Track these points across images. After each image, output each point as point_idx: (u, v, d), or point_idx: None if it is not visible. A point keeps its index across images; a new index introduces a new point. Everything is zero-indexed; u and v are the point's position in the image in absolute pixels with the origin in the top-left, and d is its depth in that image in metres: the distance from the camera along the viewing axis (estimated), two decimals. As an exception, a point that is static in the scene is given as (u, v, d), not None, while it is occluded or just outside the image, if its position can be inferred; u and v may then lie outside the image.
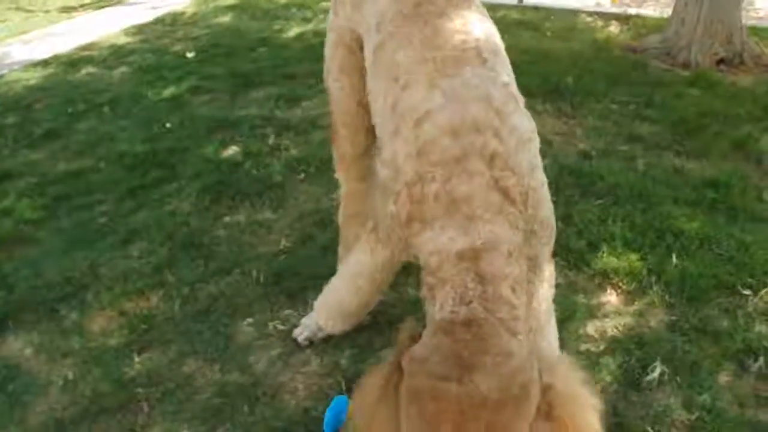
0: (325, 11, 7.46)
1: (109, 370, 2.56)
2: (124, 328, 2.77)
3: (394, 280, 2.55)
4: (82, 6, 9.19)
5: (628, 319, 2.70)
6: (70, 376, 2.57)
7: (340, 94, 2.52)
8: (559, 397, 1.46)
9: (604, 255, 3.00)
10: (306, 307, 2.76)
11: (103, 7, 8.99)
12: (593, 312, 2.74)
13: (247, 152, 4.07)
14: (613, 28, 6.62)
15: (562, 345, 2.38)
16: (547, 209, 2.03)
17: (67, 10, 8.84)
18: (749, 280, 2.87)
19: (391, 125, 1.91)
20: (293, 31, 6.80)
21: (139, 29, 7.45)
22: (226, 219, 3.43)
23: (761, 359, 2.48)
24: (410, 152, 1.80)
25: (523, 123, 1.93)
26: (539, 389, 1.44)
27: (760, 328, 2.62)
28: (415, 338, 1.56)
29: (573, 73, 5.01)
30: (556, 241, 3.03)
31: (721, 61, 5.49)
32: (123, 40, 7.04)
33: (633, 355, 2.50)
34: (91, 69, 6.07)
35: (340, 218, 2.78)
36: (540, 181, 1.95)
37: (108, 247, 3.28)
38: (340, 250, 2.81)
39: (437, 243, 1.71)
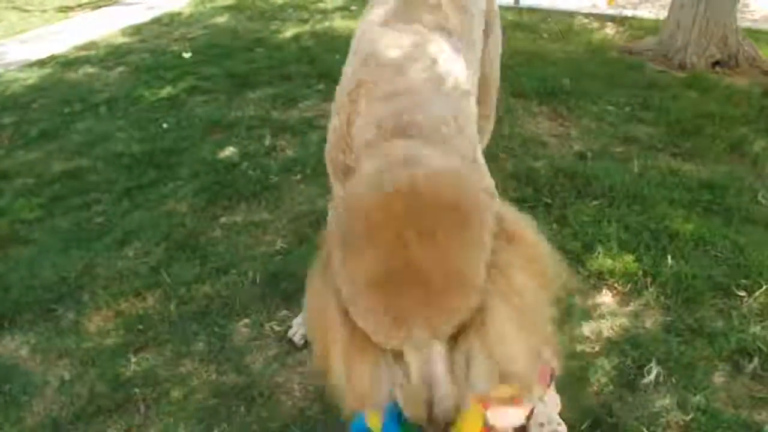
0: (321, 12, 7.49)
1: (106, 371, 2.56)
2: (121, 328, 2.77)
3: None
4: (79, 6, 9.19)
5: (623, 320, 2.71)
6: (67, 376, 2.57)
7: None
8: (512, 221, 1.42)
9: (600, 256, 3.01)
10: (302, 307, 2.76)
11: (100, 6, 8.99)
12: (588, 313, 2.74)
13: (243, 153, 4.07)
14: (609, 30, 6.63)
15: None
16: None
17: (65, 9, 8.84)
18: (744, 281, 2.87)
19: None
20: (290, 32, 6.79)
21: (137, 29, 7.45)
22: (223, 219, 3.43)
23: (756, 360, 2.48)
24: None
25: None
26: (493, 215, 1.38)
27: (754, 329, 2.62)
28: None
29: (569, 75, 5.02)
30: (550, 242, 3.06)
31: (716, 63, 5.50)
32: (120, 40, 7.04)
33: (628, 356, 2.51)
34: (88, 69, 6.06)
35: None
36: None
37: (104, 248, 3.28)
38: None
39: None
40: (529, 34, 6.26)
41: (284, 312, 2.78)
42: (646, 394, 2.36)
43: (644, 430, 2.22)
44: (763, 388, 2.40)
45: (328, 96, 4.62)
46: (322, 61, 5.54)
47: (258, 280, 2.94)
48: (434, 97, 1.82)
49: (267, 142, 4.21)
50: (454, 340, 1.36)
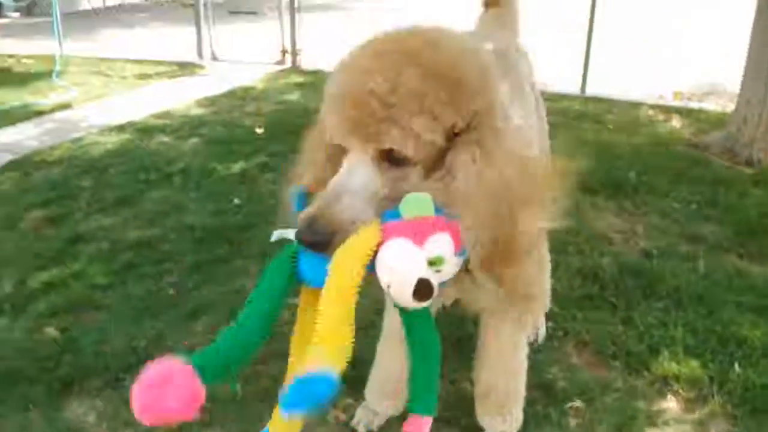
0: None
1: (171, 446, 2.61)
2: (187, 403, 2.82)
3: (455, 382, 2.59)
4: (157, 74, 9.56)
5: (688, 428, 2.68)
6: (133, 448, 2.62)
7: None
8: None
9: (665, 360, 2.99)
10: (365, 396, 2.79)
11: (176, 77, 9.34)
12: (653, 419, 2.72)
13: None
14: (675, 122, 6.66)
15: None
16: None
17: (143, 77, 9.21)
18: (815, 394, 2.82)
19: None
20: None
21: (211, 101, 7.71)
22: (289, 301, 3.48)
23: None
24: None
25: None
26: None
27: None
28: None
29: (635, 169, 5.04)
30: (615, 344, 3.06)
31: (784, 160, 5.48)
32: (195, 110, 7.29)
33: (693, 467, 2.48)
34: (164, 138, 6.29)
35: None
36: None
37: (174, 320, 3.37)
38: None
39: None
40: (594, 125, 6.31)
41: (349, 400, 2.81)
42: None
43: None
44: None
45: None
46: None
47: (323, 364, 2.96)
48: None
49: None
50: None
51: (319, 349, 1.48)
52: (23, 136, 6.83)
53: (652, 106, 7.15)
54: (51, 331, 3.37)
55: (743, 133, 5.64)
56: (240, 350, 1.61)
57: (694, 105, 7.29)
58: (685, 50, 10.44)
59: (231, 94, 8.13)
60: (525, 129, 2.06)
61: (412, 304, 1.47)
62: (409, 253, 1.43)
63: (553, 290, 3.45)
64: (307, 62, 9.56)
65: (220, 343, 1.60)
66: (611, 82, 7.99)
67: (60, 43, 11.29)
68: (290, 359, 1.83)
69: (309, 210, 1.53)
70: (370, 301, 3.19)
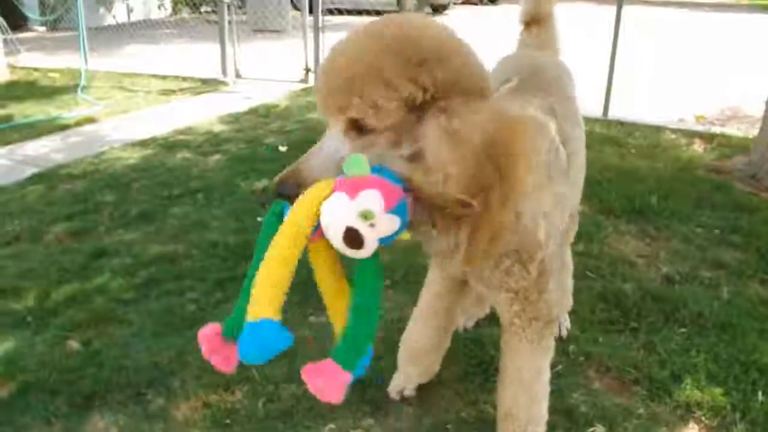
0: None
1: (193, 463, 2.63)
2: (208, 419, 2.83)
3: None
4: (180, 90, 9.65)
5: (710, 457, 2.67)
6: (154, 464, 2.64)
7: None
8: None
9: (688, 387, 2.97)
10: (388, 418, 2.80)
11: (200, 93, 9.42)
12: (675, 446, 2.71)
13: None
14: (697, 146, 6.63)
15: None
16: None
17: (167, 93, 9.30)
18: (840, 425, 2.80)
19: None
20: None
21: (234, 118, 7.77)
22: (312, 319, 3.50)
23: None
24: None
25: None
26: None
27: None
28: None
29: (657, 194, 5.03)
30: (637, 369, 3.04)
31: (807, 188, 5.45)
32: (218, 127, 7.35)
33: (715, 498, 2.47)
34: (186, 154, 6.33)
35: None
36: None
37: (195, 337, 3.37)
38: None
39: None
40: (617, 149, 6.30)
41: (370, 421, 2.81)
42: None
43: None
44: None
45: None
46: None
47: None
48: None
49: (358, 244, 4.28)
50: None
51: (257, 296, 1.66)
52: (48, 149, 6.92)
53: (674, 130, 7.12)
54: (74, 344, 3.39)
55: (766, 159, 5.61)
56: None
57: (716, 129, 7.25)
58: (706, 74, 10.42)
59: (254, 111, 8.19)
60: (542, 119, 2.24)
61: (346, 250, 1.69)
62: (341, 204, 1.64)
63: (575, 314, 3.46)
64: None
65: (240, 303, 1.85)
66: (632, 105, 7.98)
67: (85, 58, 11.42)
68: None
69: (285, 169, 1.78)
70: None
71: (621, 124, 7.30)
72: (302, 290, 3.68)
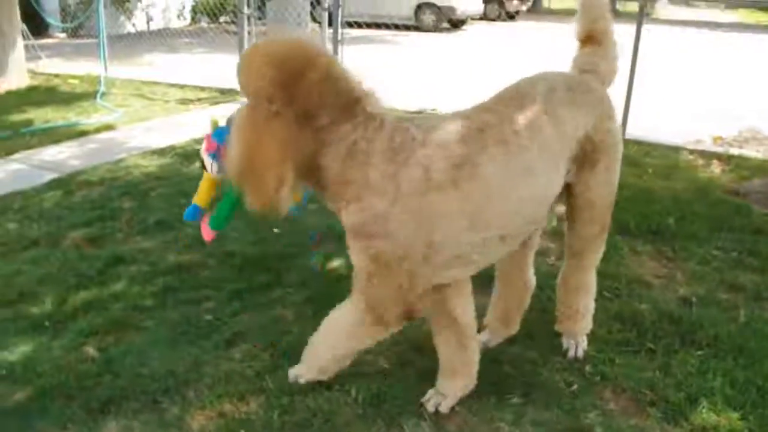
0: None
1: (207, 472, 2.63)
2: (222, 429, 2.84)
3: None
4: (198, 100, 9.71)
5: (725, 482, 2.65)
6: (168, 471, 2.64)
7: None
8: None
9: (704, 410, 2.95)
10: (402, 432, 2.80)
11: (218, 103, 9.47)
12: (690, 470, 2.70)
13: (350, 266, 4.15)
14: (715, 167, 6.61)
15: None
16: None
17: (185, 102, 9.37)
18: None
19: None
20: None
21: (252, 128, 7.78)
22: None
23: None
24: None
25: None
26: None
27: None
28: None
29: (674, 215, 5.01)
30: (653, 391, 3.03)
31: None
32: (236, 137, 7.37)
33: None
34: (204, 163, 6.37)
35: None
36: None
37: (212, 346, 3.40)
38: None
39: None
40: (634, 169, 6.28)
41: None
42: None
43: None
44: None
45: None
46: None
47: (360, 400, 2.97)
48: None
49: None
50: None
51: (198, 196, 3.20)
52: (66, 155, 6.98)
53: (692, 151, 7.10)
54: (90, 350, 3.42)
55: (785, 182, 5.60)
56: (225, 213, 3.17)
57: (734, 151, 7.23)
58: (723, 95, 10.40)
59: (272, 121, 8.20)
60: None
61: (207, 169, 3.02)
62: (201, 145, 3.02)
63: (591, 333, 3.45)
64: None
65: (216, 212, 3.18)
66: (648, 125, 7.97)
67: (105, 66, 11.51)
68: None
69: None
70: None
71: (638, 143, 7.28)
72: (320, 300, 3.73)
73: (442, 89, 9.84)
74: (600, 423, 2.89)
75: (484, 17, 24.59)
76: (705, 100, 9.81)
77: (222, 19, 16.64)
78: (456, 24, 21.82)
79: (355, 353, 2.99)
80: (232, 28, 13.94)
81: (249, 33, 10.13)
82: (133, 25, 18.54)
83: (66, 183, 6.02)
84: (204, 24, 19.86)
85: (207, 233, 3.20)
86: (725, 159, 6.85)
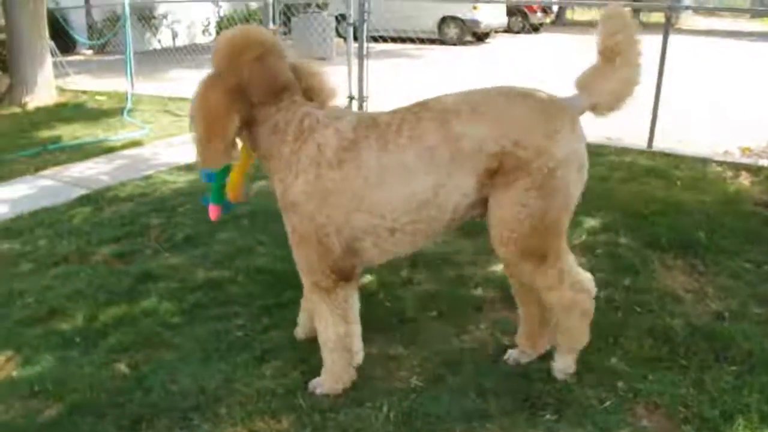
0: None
1: (240, 490, 2.63)
2: (255, 447, 2.85)
3: None
4: (225, 115, 9.73)
5: (761, 501, 2.61)
6: (201, 490, 2.65)
7: None
8: None
9: (740, 428, 2.90)
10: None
11: (245, 118, 9.50)
12: (726, 490, 2.66)
13: (381, 282, 4.18)
14: (744, 179, 6.54)
15: None
16: None
17: (211, 118, 9.38)
18: None
19: None
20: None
21: (278, 143, 7.81)
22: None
23: None
24: None
25: None
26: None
27: None
28: None
29: (704, 228, 4.96)
30: (687, 407, 2.99)
31: None
32: (262, 152, 7.40)
33: None
34: (231, 179, 6.40)
35: None
36: None
37: (243, 363, 3.40)
38: None
39: None
40: (662, 181, 6.24)
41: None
42: None
43: None
44: None
45: (464, 232, 4.74)
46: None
47: (392, 417, 2.95)
48: None
49: (404, 273, 4.32)
50: None
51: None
52: (95, 171, 7.05)
53: (720, 163, 7.03)
54: (121, 367, 3.44)
55: (815, 193, 5.53)
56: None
57: (764, 162, 7.15)
58: (750, 105, 10.28)
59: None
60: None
61: None
62: None
63: (623, 349, 3.42)
64: (373, 108, 9.63)
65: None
66: (675, 137, 7.92)
67: (131, 82, 11.63)
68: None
69: None
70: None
71: (666, 155, 7.23)
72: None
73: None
74: (634, 440, 2.86)
75: (508, 30, 24.56)
76: (732, 111, 9.72)
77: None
78: (480, 37, 21.80)
79: (344, 341, 3.13)
80: (257, 43, 14.00)
81: (274, 48, 10.18)
82: (159, 41, 18.72)
83: (95, 199, 6.08)
84: (229, 39, 19.97)
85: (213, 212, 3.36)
86: (754, 170, 6.77)
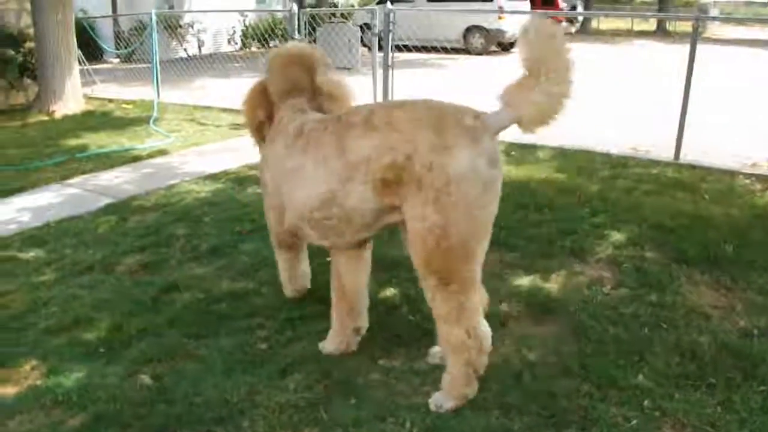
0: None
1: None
2: (278, 460, 2.84)
3: None
4: (250, 124, 9.77)
5: None
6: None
7: None
8: None
9: (770, 450, 2.87)
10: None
11: (269, 128, 9.53)
12: None
13: (404, 295, 4.15)
14: (772, 192, 6.47)
15: None
16: None
17: (237, 127, 9.45)
18: None
19: None
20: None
21: (303, 153, 7.83)
22: (381, 362, 3.48)
23: None
24: None
25: None
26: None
27: None
28: None
29: (732, 242, 4.89)
30: (715, 427, 2.95)
31: None
32: (287, 162, 7.42)
33: None
34: (257, 189, 6.41)
35: None
36: None
37: (266, 376, 3.39)
38: None
39: None
40: (689, 194, 6.17)
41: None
42: None
43: None
44: None
45: (489, 245, 4.69)
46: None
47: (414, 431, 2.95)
48: None
49: (428, 286, 4.26)
50: None
51: None
52: (121, 180, 7.10)
53: (748, 175, 6.95)
54: (145, 378, 3.44)
55: None
56: None
57: (792, 175, 7.06)
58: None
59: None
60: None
61: None
62: None
63: (649, 366, 3.38)
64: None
65: None
66: (702, 148, 7.84)
67: (157, 91, 11.72)
68: None
69: None
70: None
71: (693, 167, 7.16)
72: (372, 330, 3.71)
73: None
74: (661, 461, 2.82)
75: (533, 39, 24.48)
76: (759, 122, 9.59)
77: (272, 44, 16.81)
78: (505, 47, 21.75)
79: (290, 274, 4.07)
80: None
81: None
82: (185, 50, 18.86)
83: (121, 208, 6.13)
84: (254, 49, 20.10)
85: None
86: (783, 183, 6.69)
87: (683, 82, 7.53)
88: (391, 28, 8.97)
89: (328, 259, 3.79)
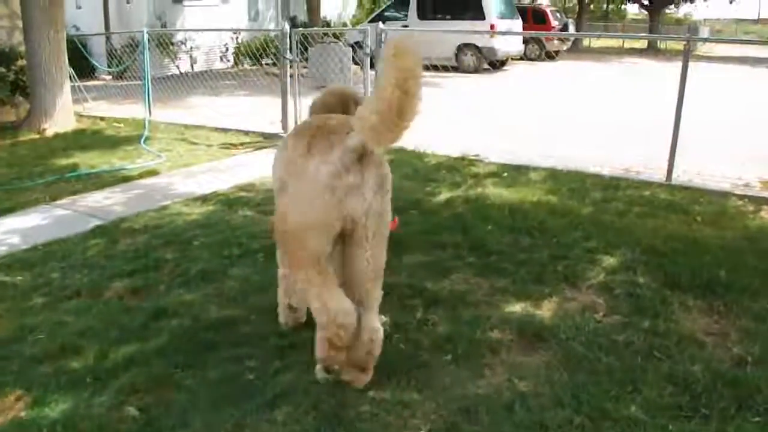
0: (474, 176, 7.59)
1: None
2: (270, 496, 2.78)
3: None
4: (241, 144, 9.77)
5: None
6: None
7: None
8: None
9: (765, 484, 2.83)
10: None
11: (261, 148, 9.53)
12: None
13: (395, 324, 4.10)
14: (765, 213, 6.46)
15: None
16: None
17: (228, 147, 9.43)
18: None
19: None
20: (443, 195, 6.92)
21: (294, 174, 7.79)
22: (371, 393, 3.42)
23: None
24: None
25: None
26: None
27: None
28: None
29: (725, 266, 4.87)
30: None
31: None
32: (278, 184, 7.38)
33: None
34: (248, 211, 6.39)
35: None
36: None
37: (254, 408, 3.33)
38: None
39: None
40: (682, 216, 6.16)
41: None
42: None
43: None
44: None
45: (480, 270, 4.68)
46: (474, 231, 5.58)
47: (404, 467, 2.89)
48: None
49: (419, 315, 4.24)
50: None
51: None
52: (110, 201, 7.05)
53: (741, 197, 6.94)
54: (131, 409, 3.37)
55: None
56: None
57: (784, 196, 7.05)
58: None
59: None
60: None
61: None
62: None
63: (643, 397, 3.34)
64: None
65: None
66: (694, 169, 7.84)
67: (149, 109, 11.69)
68: None
69: None
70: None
71: (685, 189, 7.15)
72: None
73: (486, 132, 9.80)
74: (654, 496, 2.78)
75: (525, 57, 24.66)
76: (750, 142, 9.60)
77: (264, 61, 16.80)
78: (496, 65, 21.84)
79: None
80: (274, 69, 14.08)
81: (292, 76, 10.22)
82: (177, 67, 18.85)
83: (110, 230, 6.07)
84: (246, 66, 20.12)
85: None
86: (776, 205, 6.68)
87: (675, 103, 7.53)
88: (382, 46, 8.96)
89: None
